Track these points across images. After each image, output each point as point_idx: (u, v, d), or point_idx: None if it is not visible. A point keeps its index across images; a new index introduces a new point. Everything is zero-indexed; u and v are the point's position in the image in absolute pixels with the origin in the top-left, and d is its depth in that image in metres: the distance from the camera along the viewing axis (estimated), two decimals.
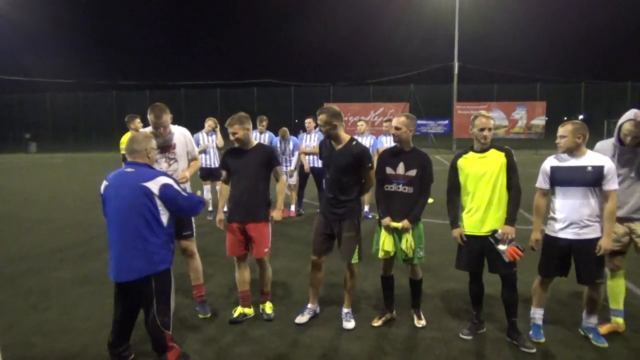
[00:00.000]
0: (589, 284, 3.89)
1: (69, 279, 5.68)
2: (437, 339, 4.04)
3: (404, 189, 4.12)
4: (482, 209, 3.88)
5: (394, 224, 4.11)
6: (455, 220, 4.07)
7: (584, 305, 4.02)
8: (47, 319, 4.52)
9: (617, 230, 3.96)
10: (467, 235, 3.99)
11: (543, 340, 3.94)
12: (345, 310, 4.42)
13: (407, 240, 4.07)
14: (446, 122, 28.21)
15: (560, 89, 30.74)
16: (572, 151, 3.79)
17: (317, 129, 9.23)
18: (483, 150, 3.93)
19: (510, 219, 3.85)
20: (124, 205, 3.32)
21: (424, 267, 4.94)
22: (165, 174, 3.51)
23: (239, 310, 4.51)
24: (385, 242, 4.16)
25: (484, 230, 3.90)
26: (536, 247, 3.95)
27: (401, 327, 4.27)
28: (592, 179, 3.72)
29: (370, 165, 4.22)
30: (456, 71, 28.32)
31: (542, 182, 3.94)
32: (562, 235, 3.81)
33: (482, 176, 3.87)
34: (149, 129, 4.44)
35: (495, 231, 3.85)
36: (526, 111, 27.00)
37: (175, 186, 3.44)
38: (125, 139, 8.15)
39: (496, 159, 3.87)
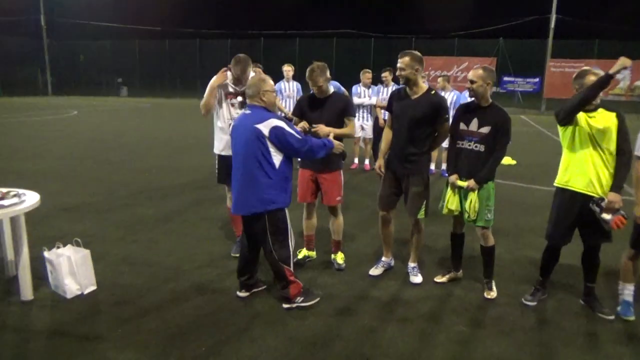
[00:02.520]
0: None
1: (152, 216, 6.06)
2: (512, 305, 3.86)
3: (475, 146, 3.85)
4: (589, 170, 3.52)
5: (460, 183, 3.90)
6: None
7: None
8: (133, 251, 4.87)
9: None
10: (569, 191, 3.62)
11: (633, 318, 3.64)
12: (411, 264, 4.36)
13: (471, 201, 3.85)
14: (536, 80, 26.29)
15: None
16: None
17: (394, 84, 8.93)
18: (589, 110, 3.53)
19: (617, 186, 3.48)
20: (240, 145, 3.60)
21: (503, 232, 4.74)
22: (276, 116, 3.63)
23: (303, 252, 4.67)
24: (450, 200, 3.99)
25: (589, 190, 3.53)
26: None
27: (474, 290, 4.13)
28: None
29: (447, 116, 4.05)
30: (552, 24, 25.89)
31: None
32: None
33: (590, 137, 3.50)
34: (230, 77, 4.55)
35: (601, 199, 3.49)
36: (630, 70, 24.39)
37: (287, 128, 3.55)
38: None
39: (607, 119, 3.49)
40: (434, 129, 4.06)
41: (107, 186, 7.61)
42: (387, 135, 4.31)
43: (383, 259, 4.51)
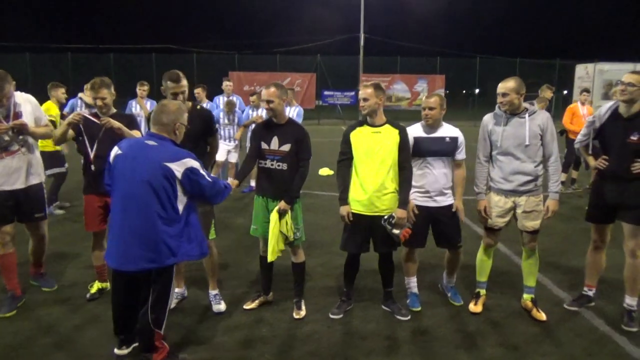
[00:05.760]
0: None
1: None
2: (320, 321, 3.86)
3: (278, 165, 3.79)
4: (373, 187, 3.69)
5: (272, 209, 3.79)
6: (344, 196, 3.82)
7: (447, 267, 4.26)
8: None
9: (503, 205, 3.89)
10: (354, 214, 3.78)
11: (419, 308, 4.04)
12: (212, 292, 4.11)
13: (286, 223, 3.77)
14: (352, 93, 28.45)
15: (458, 63, 32.11)
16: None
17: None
18: (375, 125, 3.73)
19: (403, 202, 3.71)
20: (139, 182, 2.87)
21: (316, 244, 4.78)
22: (192, 155, 3.00)
23: (96, 285, 4.32)
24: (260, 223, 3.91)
25: (373, 210, 3.72)
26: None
27: (284, 311, 4.03)
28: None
29: (217, 128, 4.05)
30: (362, 42, 28.44)
31: None
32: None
33: (376, 153, 3.67)
34: None
35: (391, 216, 3.67)
36: (427, 84, 28.02)
37: (202, 171, 2.98)
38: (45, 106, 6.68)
39: (391, 136, 3.70)
40: (207, 144, 3.98)
41: None
42: None
43: (176, 290, 4.12)
